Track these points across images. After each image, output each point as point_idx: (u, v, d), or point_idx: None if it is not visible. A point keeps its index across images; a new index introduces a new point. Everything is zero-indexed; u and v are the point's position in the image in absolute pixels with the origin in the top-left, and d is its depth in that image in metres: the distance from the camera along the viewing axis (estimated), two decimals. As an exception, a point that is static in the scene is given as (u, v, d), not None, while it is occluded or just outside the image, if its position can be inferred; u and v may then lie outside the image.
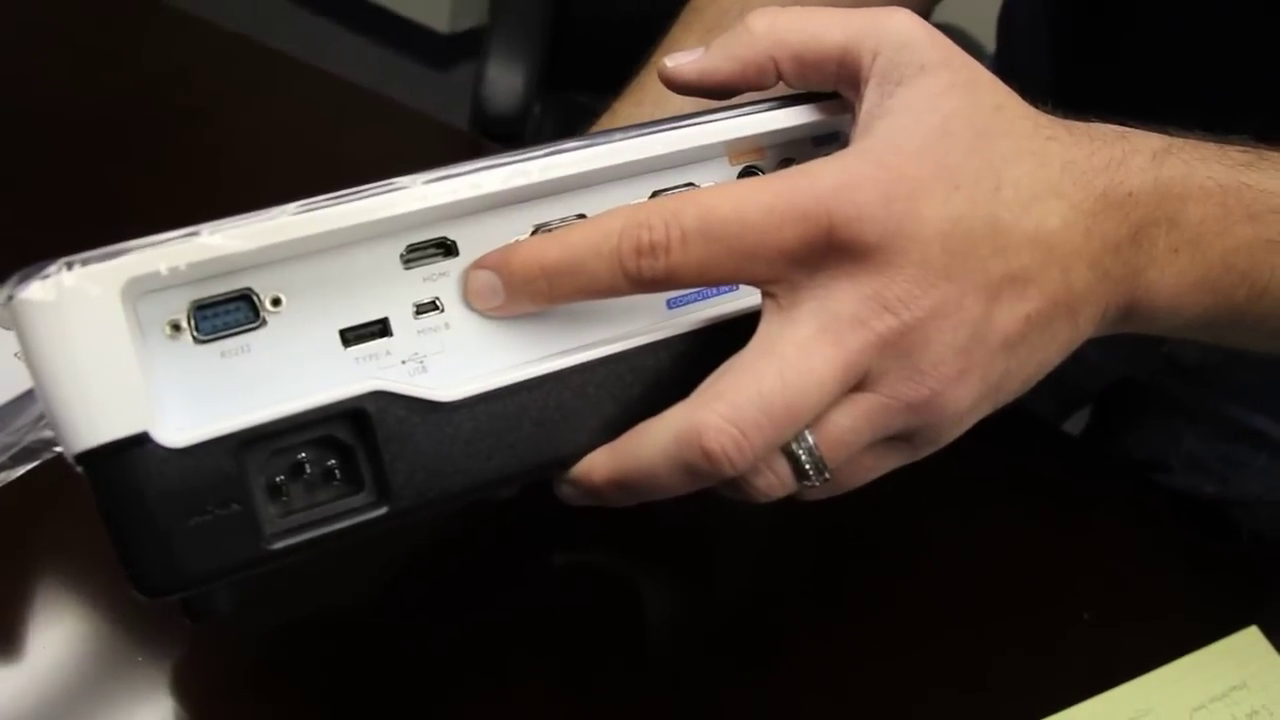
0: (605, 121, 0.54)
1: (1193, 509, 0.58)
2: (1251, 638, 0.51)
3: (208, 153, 0.67)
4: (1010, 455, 0.57)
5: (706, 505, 0.51)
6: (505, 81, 1.08)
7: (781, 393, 0.29)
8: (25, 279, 0.27)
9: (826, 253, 0.29)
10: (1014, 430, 0.59)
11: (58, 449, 0.48)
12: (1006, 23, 0.77)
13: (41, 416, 0.48)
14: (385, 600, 0.47)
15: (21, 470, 0.47)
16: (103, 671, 0.42)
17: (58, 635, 0.43)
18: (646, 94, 0.53)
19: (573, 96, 1.26)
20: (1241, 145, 0.35)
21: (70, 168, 0.63)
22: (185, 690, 0.42)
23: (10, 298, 0.27)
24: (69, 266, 0.27)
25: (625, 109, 0.53)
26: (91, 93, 0.70)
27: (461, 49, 2.55)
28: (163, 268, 0.27)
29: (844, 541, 0.52)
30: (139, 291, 0.28)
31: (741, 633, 0.48)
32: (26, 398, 0.49)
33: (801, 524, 0.53)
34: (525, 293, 0.31)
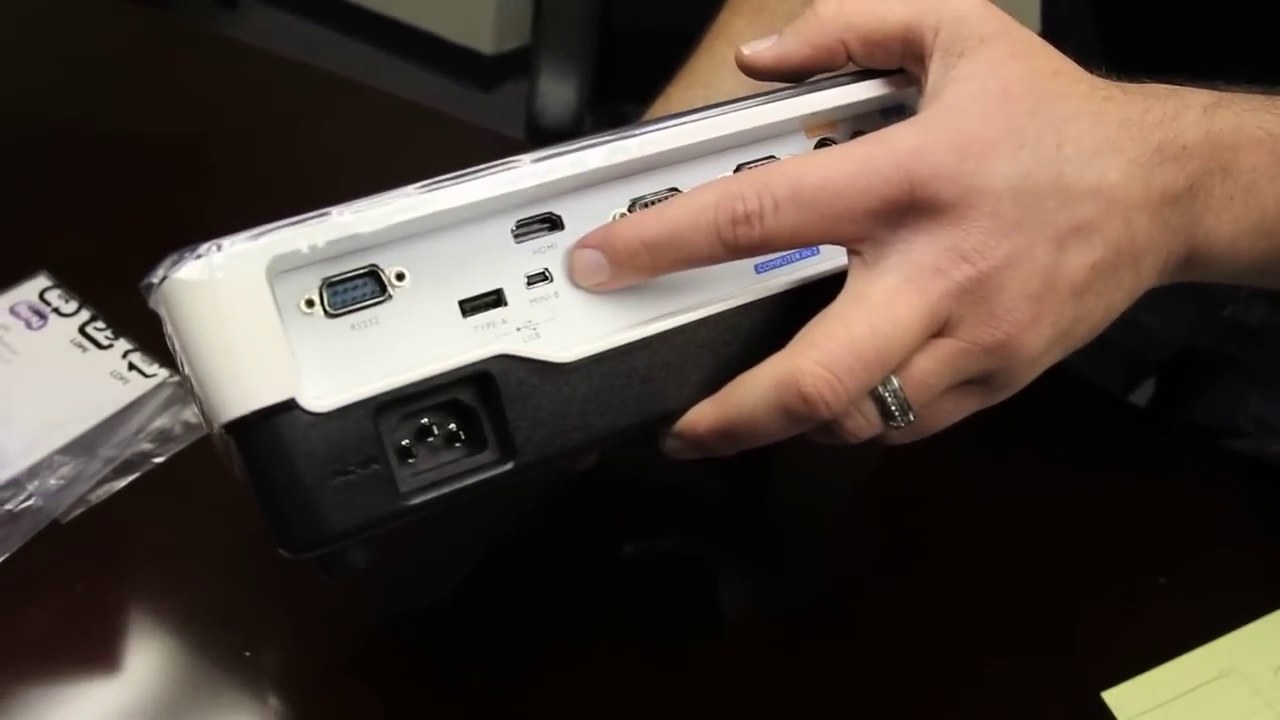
0: (659, 106, 0.56)
1: (1264, 470, 0.58)
2: (1331, 595, 0.51)
3: (280, 172, 0.70)
4: (1079, 428, 0.58)
5: (774, 490, 0.53)
6: (558, 94, 1.09)
7: (871, 339, 0.31)
8: (178, 261, 0.29)
9: (907, 210, 0.32)
10: (1082, 403, 0.60)
11: (157, 460, 0.50)
12: (1050, 6, 0.77)
13: (140, 430, 0.51)
14: (473, 594, 0.48)
15: (124, 482, 0.49)
16: (210, 668, 0.44)
17: (164, 636, 0.44)
18: (697, 78, 0.55)
19: (621, 107, 1.27)
20: None
21: (149, 197, 0.66)
22: (292, 681, 0.44)
23: (165, 278, 0.29)
24: (218, 248, 0.29)
25: (678, 93, 0.55)
26: (162, 124, 0.73)
27: (506, 69, 2.58)
28: (303, 245, 0.30)
29: (914, 516, 0.53)
30: (279, 269, 0.30)
31: (816, 606, 0.49)
32: (127, 412, 0.51)
33: (871, 498, 0.54)
34: (629, 266, 0.33)
